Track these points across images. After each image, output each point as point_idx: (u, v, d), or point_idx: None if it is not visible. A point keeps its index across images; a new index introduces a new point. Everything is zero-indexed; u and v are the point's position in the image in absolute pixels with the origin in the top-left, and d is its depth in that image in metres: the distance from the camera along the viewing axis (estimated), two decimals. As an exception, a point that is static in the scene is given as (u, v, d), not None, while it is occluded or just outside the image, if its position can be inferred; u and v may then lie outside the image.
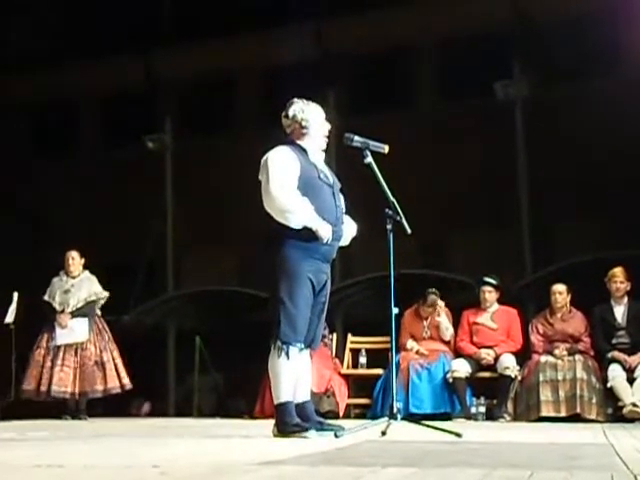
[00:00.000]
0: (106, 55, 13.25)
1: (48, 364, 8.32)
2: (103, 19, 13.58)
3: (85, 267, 8.71)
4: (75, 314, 8.41)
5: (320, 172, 4.78)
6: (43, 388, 8.27)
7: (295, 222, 4.59)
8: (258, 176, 4.73)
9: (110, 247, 12.51)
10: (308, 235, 4.62)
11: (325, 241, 4.65)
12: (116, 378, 8.42)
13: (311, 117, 4.81)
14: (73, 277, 8.58)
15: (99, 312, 8.62)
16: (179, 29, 13.58)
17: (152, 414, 9.62)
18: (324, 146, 4.89)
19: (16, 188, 13.43)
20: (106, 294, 8.61)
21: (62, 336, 8.37)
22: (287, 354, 4.58)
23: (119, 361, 8.51)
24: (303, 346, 4.67)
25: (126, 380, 8.51)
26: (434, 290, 8.36)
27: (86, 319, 8.44)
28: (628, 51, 10.42)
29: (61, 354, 8.34)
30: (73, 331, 8.38)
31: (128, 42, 13.19)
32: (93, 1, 13.71)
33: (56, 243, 9.87)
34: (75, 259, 8.61)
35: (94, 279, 8.63)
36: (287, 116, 4.83)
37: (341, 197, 4.89)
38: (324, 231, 4.63)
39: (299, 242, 4.62)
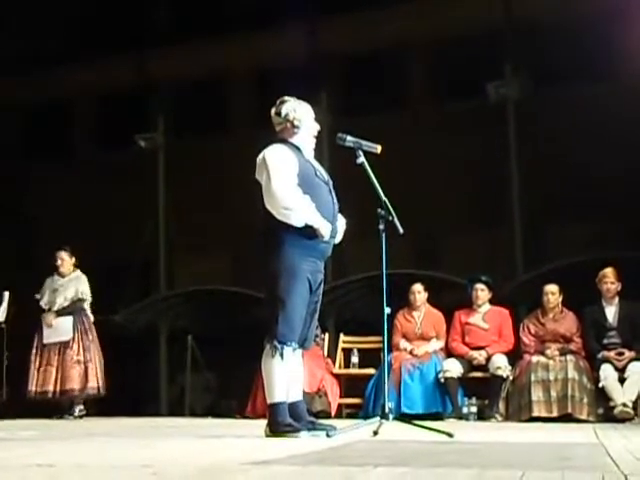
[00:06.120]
0: (99, 55, 13.23)
1: (37, 364, 8.36)
2: (96, 19, 13.55)
3: (78, 267, 8.71)
4: (61, 313, 8.44)
5: (317, 170, 4.79)
6: (32, 387, 8.29)
7: (297, 220, 4.58)
8: (255, 175, 4.71)
9: (103, 246, 12.49)
10: (308, 233, 4.61)
11: (325, 239, 4.65)
12: (95, 379, 8.39)
13: (303, 117, 4.80)
14: (63, 277, 8.60)
15: (88, 311, 8.59)
16: (172, 29, 13.56)
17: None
18: (313, 146, 4.89)
19: (8, 188, 13.39)
20: (88, 298, 8.58)
21: (48, 335, 8.42)
22: (282, 354, 4.57)
23: (99, 365, 8.46)
24: (297, 346, 4.67)
25: (102, 384, 8.47)
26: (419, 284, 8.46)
27: (71, 318, 8.45)
28: (622, 54, 10.43)
29: (47, 353, 8.38)
30: (58, 330, 8.41)
31: (121, 42, 13.16)
32: (86, 1, 13.67)
33: (49, 242, 9.85)
34: (65, 260, 8.63)
35: (83, 279, 8.62)
36: (279, 114, 4.81)
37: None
38: (324, 229, 4.63)
39: (298, 240, 4.61)
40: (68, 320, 8.44)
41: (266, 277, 4.69)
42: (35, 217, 13.68)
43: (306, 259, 4.64)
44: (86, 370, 8.35)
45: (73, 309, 8.48)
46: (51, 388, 8.29)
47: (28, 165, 13.93)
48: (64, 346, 8.38)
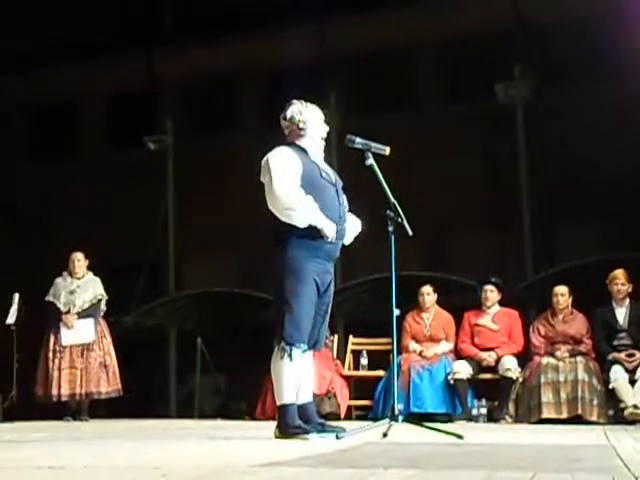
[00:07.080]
0: (107, 55, 13.25)
1: (56, 366, 8.35)
2: (104, 19, 13.57)
3: (88, 268, 8.74)
4: (81, 315, 8.45)
5: (322, 171, 4.78)
6: (54, 391, 8.29)
7: (300, 220, 4.58)
8: (260, 177, 4.73)
9: (111, 248, 12.50)
10: (313, 234, 4.61)
11: (330, 239, 4.65)
12: (117, 381, 8.45)
13: (309, 119, 4.80)
14: (78, 278, 8.61)
15: (101, 314, 8.65)
16: (181, 29, 13.58)
17: None
18: (322, 147, 4.89)
19: (16, 189, 13.42)
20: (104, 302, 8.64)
21: (68, 337, 8.40)
22: (290, 356, 4.58)
23: (116, 365, 8.54)
24: (306, 347, 4.67)
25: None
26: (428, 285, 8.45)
27: (92, 320, 8.48)
28: (631, 54, 10.40)
29: (67, 356, 8.37)
30: (79, 332, 8.41)
31: (129, 42, 13.18)
32: (95, 0, 13.69)
33: (57, 244, 9.88)
34: (81, 260, 8.66)
35: (98, 281, 8.67)
36: (285, 118, 4.83)
37: (344, 195, 4.89)
38: (328, 229, 4.62)
39: (304, 241, 4.61)
40: (89, 322, 8.47)
41: (273, 279, 4.70)
42: (42, 219, 13.69)
43: (312, 260, 4.64)
44: (108, 372, 8.40)
45: (93, 311, 8.51)
46: (78, 390, 8.32)
47: (36, 167, 13.95)
48: (87, 348, 8.39)
